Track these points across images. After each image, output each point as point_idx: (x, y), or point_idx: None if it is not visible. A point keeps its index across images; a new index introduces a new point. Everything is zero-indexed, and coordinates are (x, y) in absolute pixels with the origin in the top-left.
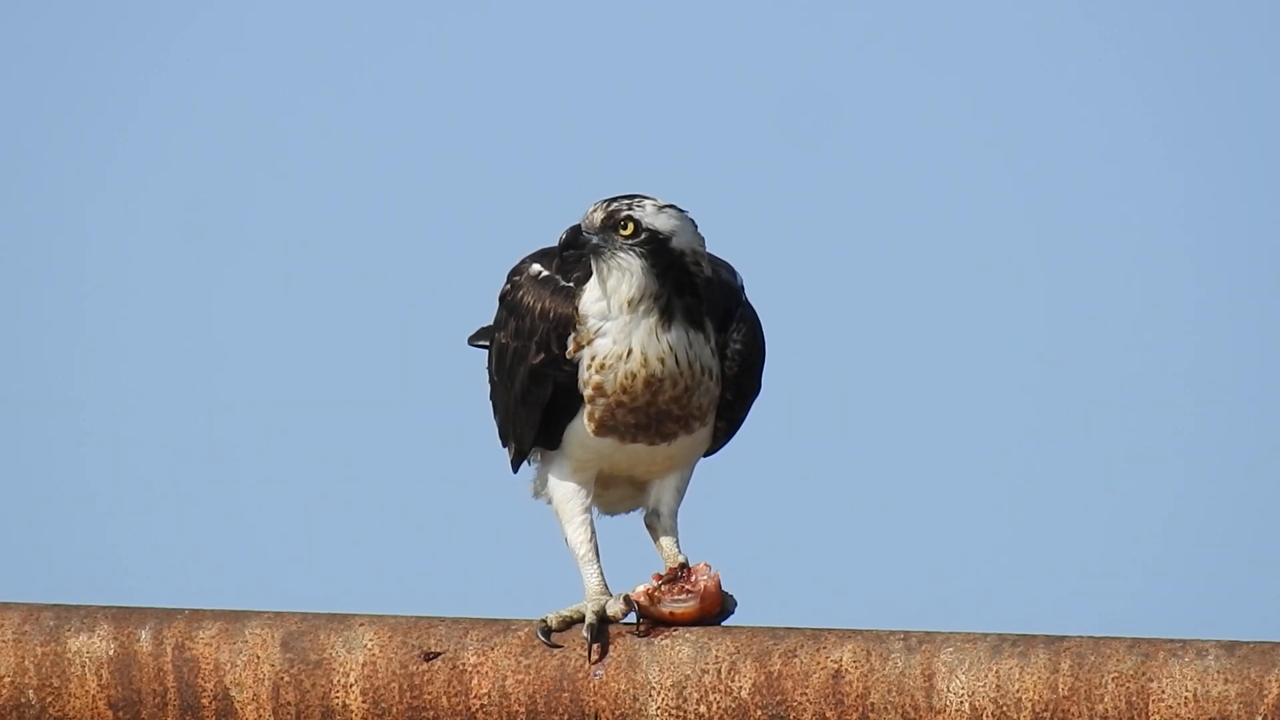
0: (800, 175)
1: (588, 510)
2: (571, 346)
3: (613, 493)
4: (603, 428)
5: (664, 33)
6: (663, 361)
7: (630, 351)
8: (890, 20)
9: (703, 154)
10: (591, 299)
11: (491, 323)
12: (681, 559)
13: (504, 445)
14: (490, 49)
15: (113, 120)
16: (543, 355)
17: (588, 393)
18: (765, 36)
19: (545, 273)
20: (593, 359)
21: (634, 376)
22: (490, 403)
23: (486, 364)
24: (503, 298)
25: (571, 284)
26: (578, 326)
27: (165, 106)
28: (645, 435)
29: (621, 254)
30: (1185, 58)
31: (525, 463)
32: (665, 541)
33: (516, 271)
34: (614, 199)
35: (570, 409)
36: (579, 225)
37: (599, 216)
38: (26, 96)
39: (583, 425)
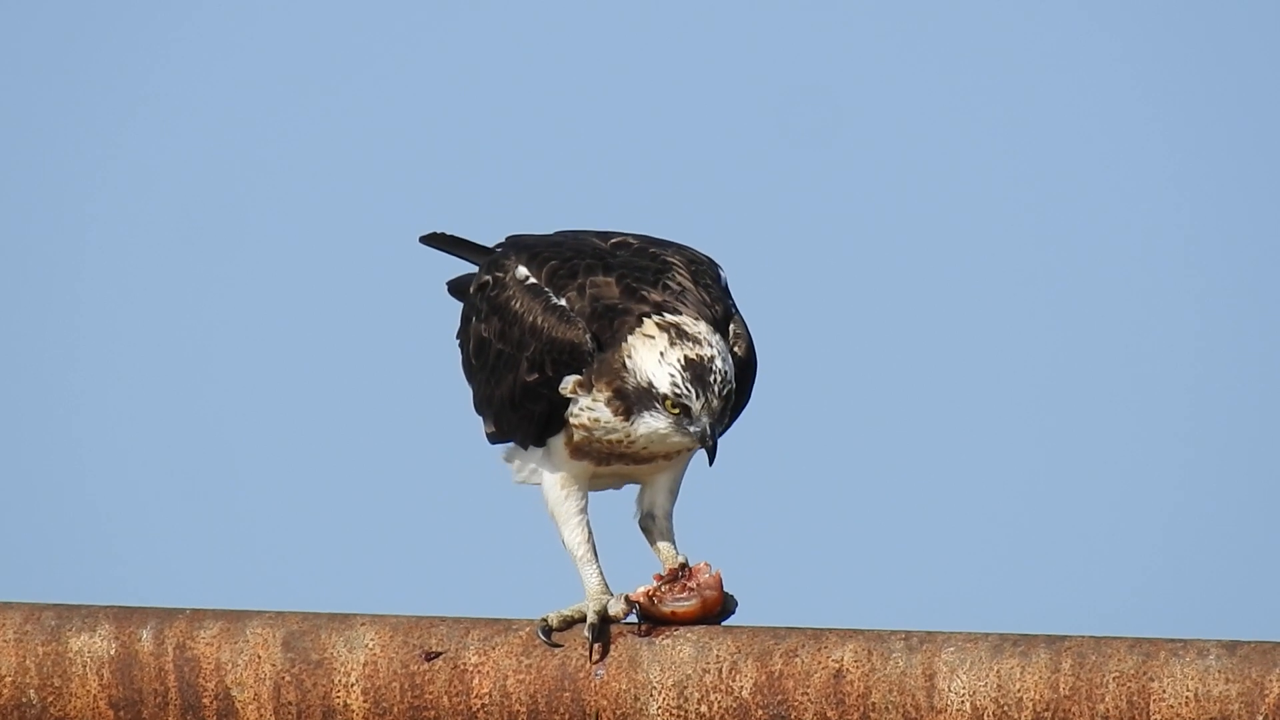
0: (798, 174)
1: (583, 511)
2: (570, 385)
3: (600, 481)
4: (579, 453)
5: (663, 31)
6: (651, 439)
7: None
8: (889, 19)
9: (701, 152)
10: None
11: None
12: (681, 559)
13: (479, 413)
14: (488, 47)
15: (111, 121)
16: (536, 375)
17: (573, 421)
18: (764, 35)
19: (532, 279)
20: (585, 410)
21: (620, 442)
22: (464, 375)
23: (459, 337)
24: (483, 288)
25: (564, 303)
26: (572, 399)
27: (163, 107)
28: (623, 461)
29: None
30: (1186, 57)
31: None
32: (662, 545)
33: (499, 266)
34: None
35: (557, 420)
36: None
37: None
38: (19, 96)
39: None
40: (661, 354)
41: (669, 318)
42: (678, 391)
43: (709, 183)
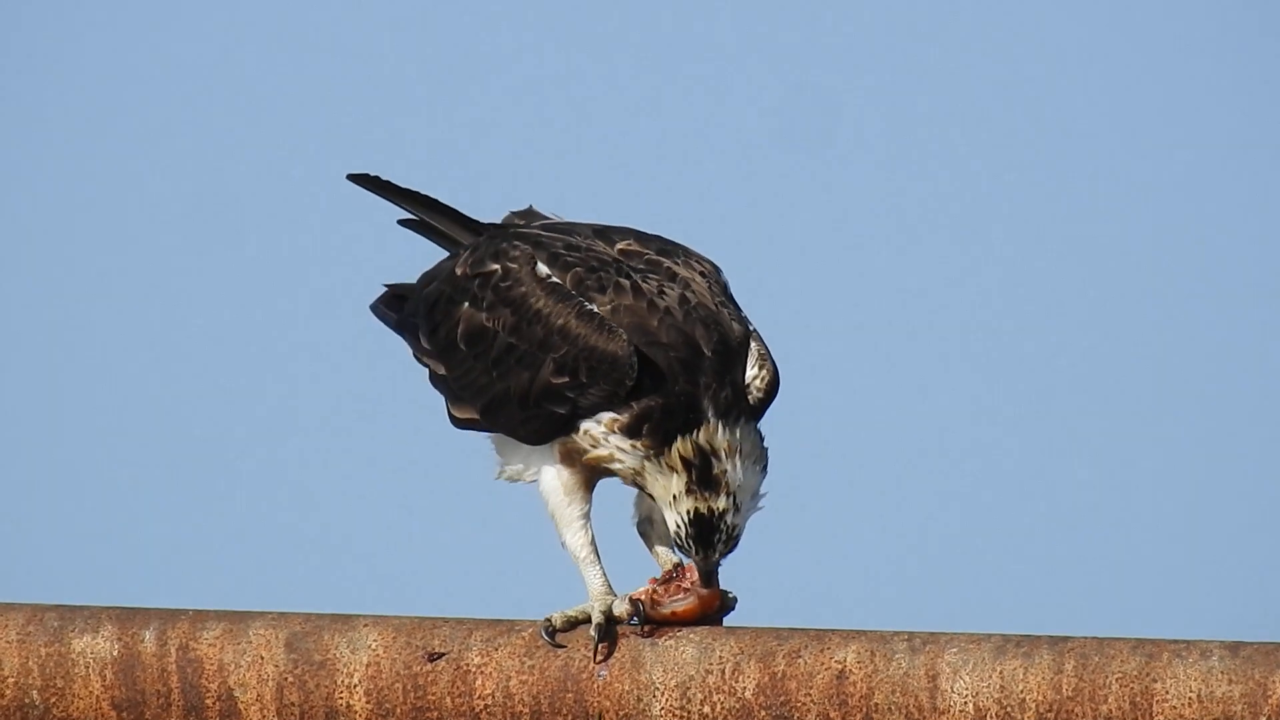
0: (797, 173)
1: (586, 515)
2: (606, 421)
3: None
4: (568, 459)
5: (662, 31)
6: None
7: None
8: (889, 19)
9: (700, 153)
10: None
11: (421, 284)
12: (676, 559)
13: (441, 391)
14: (488, 46)
15: (110, 121)
16: (566, 379)
17: (581, 438)
18: (764, 36)
19: (556, 279)
20: (611, 443)
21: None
22: (424, 354)
23: (429, 311)
24: (487, 276)
25: (595, 309)
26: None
27: (161, 107)
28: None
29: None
30: (1186, 57)
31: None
32: (661, 550)
33: (508, 257)
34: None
35: (570, 427)
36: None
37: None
38: (19, 95)
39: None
40: (675, 497)
41: (716, 432)
42: (678, 542)
43: (707, 183)
